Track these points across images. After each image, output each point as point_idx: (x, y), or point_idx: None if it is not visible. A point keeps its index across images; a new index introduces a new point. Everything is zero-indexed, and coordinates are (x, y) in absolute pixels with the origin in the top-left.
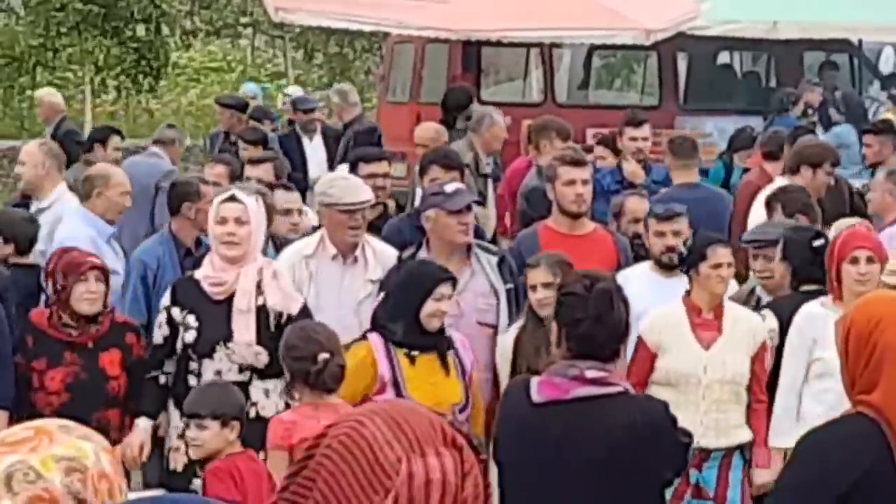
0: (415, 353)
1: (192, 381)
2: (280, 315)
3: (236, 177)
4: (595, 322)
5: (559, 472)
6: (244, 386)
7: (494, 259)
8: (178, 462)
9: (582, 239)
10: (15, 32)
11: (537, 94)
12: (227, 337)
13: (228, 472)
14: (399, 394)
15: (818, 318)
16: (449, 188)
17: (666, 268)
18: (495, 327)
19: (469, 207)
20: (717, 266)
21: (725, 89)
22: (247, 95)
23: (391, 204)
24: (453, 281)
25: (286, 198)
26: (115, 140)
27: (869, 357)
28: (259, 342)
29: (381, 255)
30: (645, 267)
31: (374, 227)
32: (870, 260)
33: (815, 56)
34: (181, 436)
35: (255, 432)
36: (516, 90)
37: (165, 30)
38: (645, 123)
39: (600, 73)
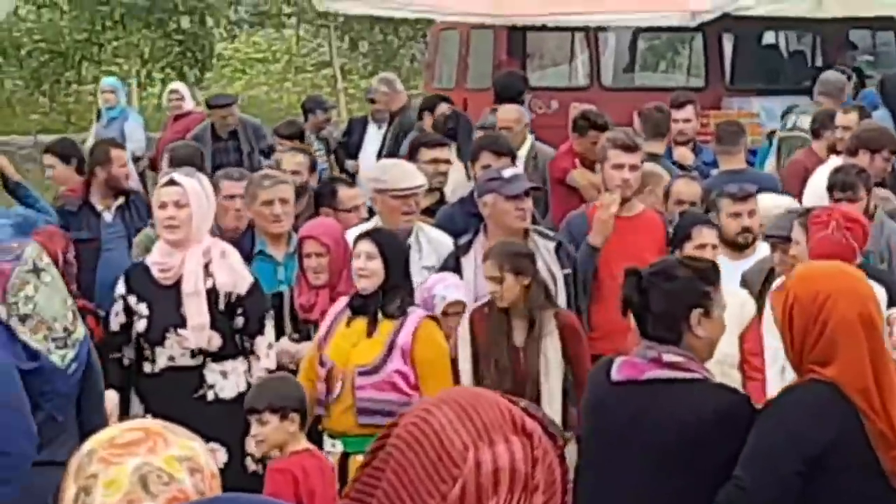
0: (353, 315)
1: (147, 367)
2: (229, 294)
3: (315, 166)
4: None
5: (626, 452)
6: (199, 370)
7: (552, 244)
8: None
9: (631, 220)
10: (59, 27)
11: (583, 78)
12: (179, 323)
13: (290, 472)
14: (322, 349)
15: None
16: (507, 173)
17: (736, 248)
18: None
19: (527, 193)
20: (702, 247)
21: (772, 69)
22: (105, 89)
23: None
24: (372, 238)
25: (349, 194)
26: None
27: (820, 333)
28: (212, 325)
29: (434, 242)
30: None
31: (431, 213)
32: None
33: (860, 34)
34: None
35: (212, 415)
36: (562, 75)
37: (210, 21)
38: (688, 105)
39: (646, 55)
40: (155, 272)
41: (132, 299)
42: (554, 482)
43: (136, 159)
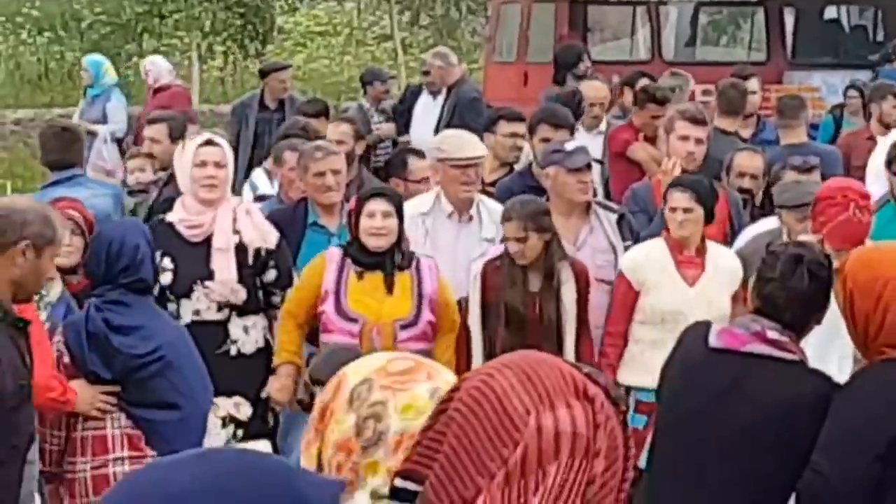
0: (362, 270)
1: None
2: (259, 250)
3: (361, 135)
4: (778, 284)
5: (714, 419)
6: (224, 324)
7: (614, 217)
8: None
9: None
10: (120, 0)
11: (644, 52)
12: (206, 276)
13: None
14: (338, 304)
15: None
16: (569, 146)
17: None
18: (612, 283)
19: (588, 166)
20: (673, 210)
21: (833, 44)
22: (83, 68)
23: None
24: (387, 196)
25: (420, 165)
26: (643, 82)
27: (882, 319)
28: (239, 280)
29: (495, 214)
30: (773, 220)
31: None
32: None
33: None
34: None
35: (235, 369)
36: (623, 48)
37: None
38: (752, 77)
39: (707, 29)
40: (182, 229)
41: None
42: (616, 447)
43: (116, 140)
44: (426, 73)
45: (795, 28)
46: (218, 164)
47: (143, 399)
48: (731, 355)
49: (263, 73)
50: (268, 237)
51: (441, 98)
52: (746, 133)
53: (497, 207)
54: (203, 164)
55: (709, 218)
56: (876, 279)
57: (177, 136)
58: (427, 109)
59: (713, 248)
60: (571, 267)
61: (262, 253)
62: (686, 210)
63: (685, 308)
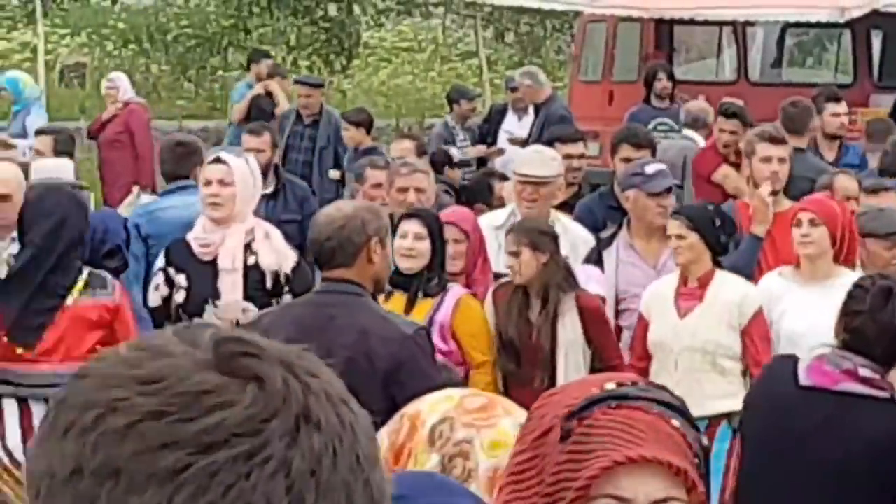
0: (391, 290)
1: None
2: (276, 274)
3: (423, 151)
4: (868, 317)
5: (806, 460)
6: None
7: None
8: None
9: (777, 216)
10: (207, 13)
11: (730, 73)
12: (215, 295)
13: None
14: None
15: (774, 290)
16: (649, 169)
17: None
18: None
19: (669, 190)
20: (669, 238)
21: None
22: (4, 89)
23: None
24: (421, 218)
25: (506, 188)
26: None
27: None
28: (250, 300)
29: (569, 232)
30: None
31: (568, 207)
32: (812, 222)
33: None
34: None
35: None
36: (709, 69)
37: (357, 9)
38: (840, 99)
39: (793, 51)
40: (195, 247)
41: (171, 271)
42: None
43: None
44: (514, 90)
45: (882, 51)
46: (222, 182)
47: None
48: (823, 393)
49: (295, 82)
50: (285, 261)
51: (528, 117)
52: (830, 157)
53: (573, 226)
54: (208, 182)
55: (714, 248)
56: None
57: (62, 150)
58: (513, 128)
59: (721, 279)
60: (577, 300)
61: (279, 277)
62: (679, 237)
63: (669, 340)
